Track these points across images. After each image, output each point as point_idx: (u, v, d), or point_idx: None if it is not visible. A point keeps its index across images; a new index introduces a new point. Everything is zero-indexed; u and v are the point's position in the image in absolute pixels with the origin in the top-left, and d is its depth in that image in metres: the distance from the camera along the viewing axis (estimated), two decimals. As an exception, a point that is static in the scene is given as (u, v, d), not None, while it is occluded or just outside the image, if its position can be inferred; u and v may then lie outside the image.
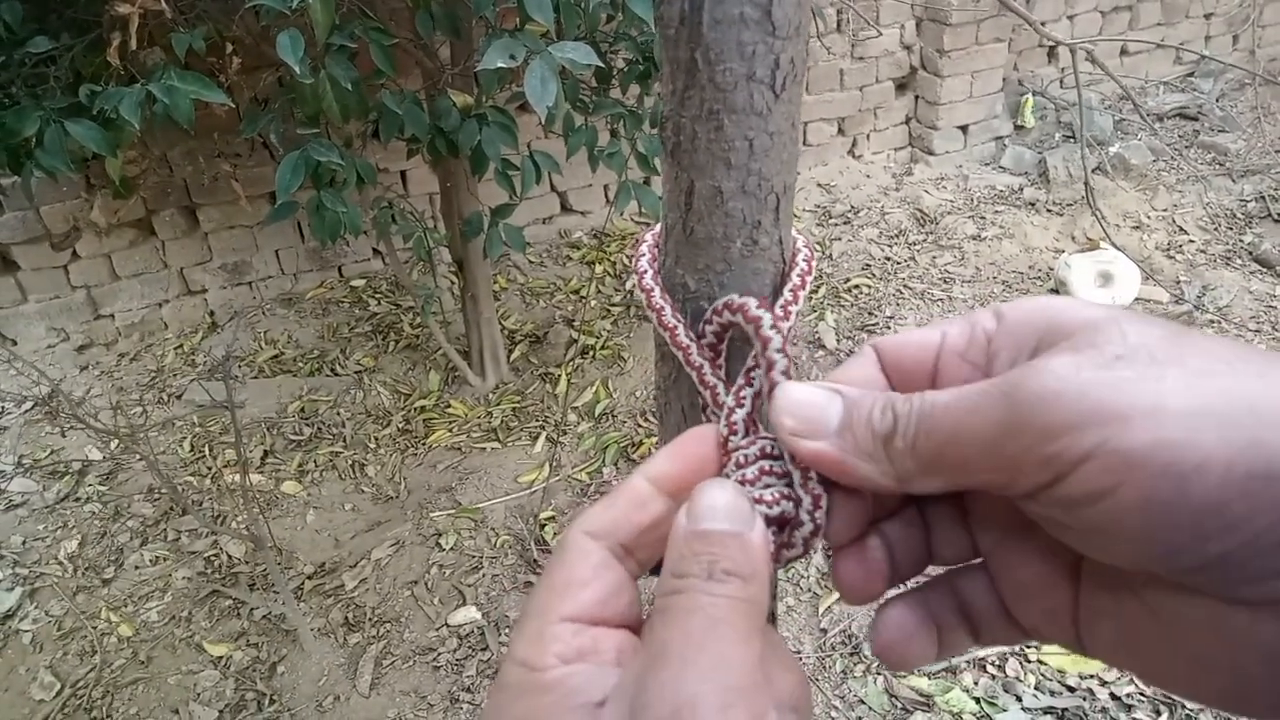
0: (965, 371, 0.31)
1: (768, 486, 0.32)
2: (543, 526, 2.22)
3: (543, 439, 2.52)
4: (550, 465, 2.41)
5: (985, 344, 0.30)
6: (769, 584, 0.29)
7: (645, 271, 0.38)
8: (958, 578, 0.33)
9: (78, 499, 2.41)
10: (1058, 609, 0.30)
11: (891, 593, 0.34)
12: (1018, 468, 0.26)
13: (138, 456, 2.44)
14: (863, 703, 1.76)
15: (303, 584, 2.14)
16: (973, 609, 0.32)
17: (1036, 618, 0.31)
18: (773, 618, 0.38)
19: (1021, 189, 3.56)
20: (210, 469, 2.48)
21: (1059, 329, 0.28)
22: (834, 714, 1.75)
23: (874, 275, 3.15)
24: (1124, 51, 4.01)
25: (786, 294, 0.36)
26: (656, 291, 0.37)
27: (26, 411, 2.72)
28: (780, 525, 0.32)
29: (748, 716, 0.25)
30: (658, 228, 0.39)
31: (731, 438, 0.33)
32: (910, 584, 0.34)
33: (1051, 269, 3.09)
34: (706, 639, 0.26)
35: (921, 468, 0.29)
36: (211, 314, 3.12)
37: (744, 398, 0.34)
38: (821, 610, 1.96)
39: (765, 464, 0.32)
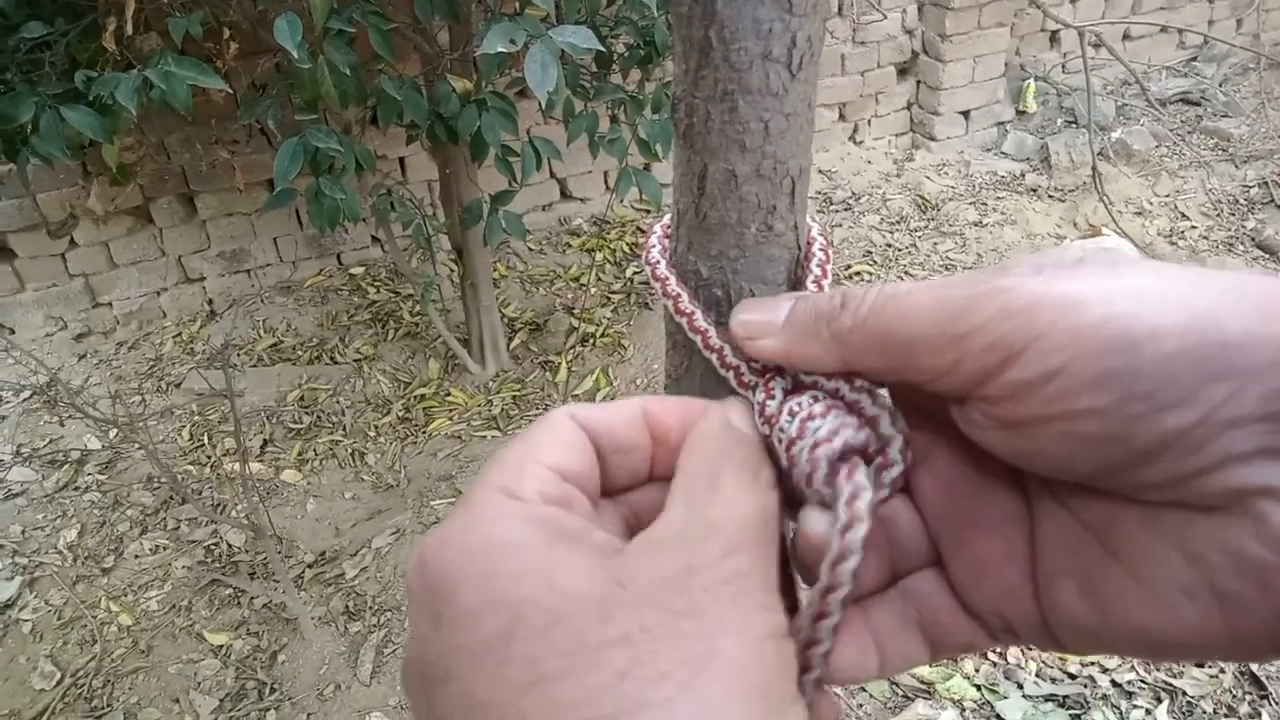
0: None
1: (839, 418, 0.30)
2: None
3: (543, 427, 2.51)
4: (551, 453, 2.40)
5: None
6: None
7: (658, 261, 0.37)
8: (907, 584, 0.31)
9: (77, 488, 2.41)
10: (1015, 583, 0.29)
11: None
12: (967, 347, 0.25)
13: (137, 445, 2.44)
14: (864, 690, 1.76)
15: (303, 573, 2.13)
16: (926, 612, 0.31)
17: (996, 598, 0.29)
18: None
19: (1023, 175, 3.55)
20: (210, 458, 2.48)
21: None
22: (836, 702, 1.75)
23: (875, 262, 3.13)
24: (1127, 36, 3.98)
25: (810, 285, 0.35)
26: (672, 280, 0.36)
27: (25, 400, 2.71)
28: (864, 460, 0.30)
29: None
30: (666, 218, 0.38)
31: (769, 401, 0.32)
32: None
33: (1053, 255, 3.07)
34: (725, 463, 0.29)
35: (867, 342, 0.28)
36: (210, 302, 3.11)
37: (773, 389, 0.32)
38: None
39: (830, 402, 0.31)
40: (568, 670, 0.23)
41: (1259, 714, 1.66)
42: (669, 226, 0.37)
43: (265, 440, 2.52)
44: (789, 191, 0.34)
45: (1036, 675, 1.77)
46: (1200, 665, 1.75)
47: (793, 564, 0.31)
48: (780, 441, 0.30)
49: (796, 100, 0.33)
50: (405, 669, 0.26)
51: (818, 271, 0.35)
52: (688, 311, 0.35)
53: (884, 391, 0.31)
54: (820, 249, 0.36)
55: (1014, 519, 0.29)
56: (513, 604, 0.24)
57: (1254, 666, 1.72)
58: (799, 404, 0.31)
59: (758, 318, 0.32)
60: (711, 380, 0.37)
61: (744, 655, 0.24)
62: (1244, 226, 3.16)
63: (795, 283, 0.36)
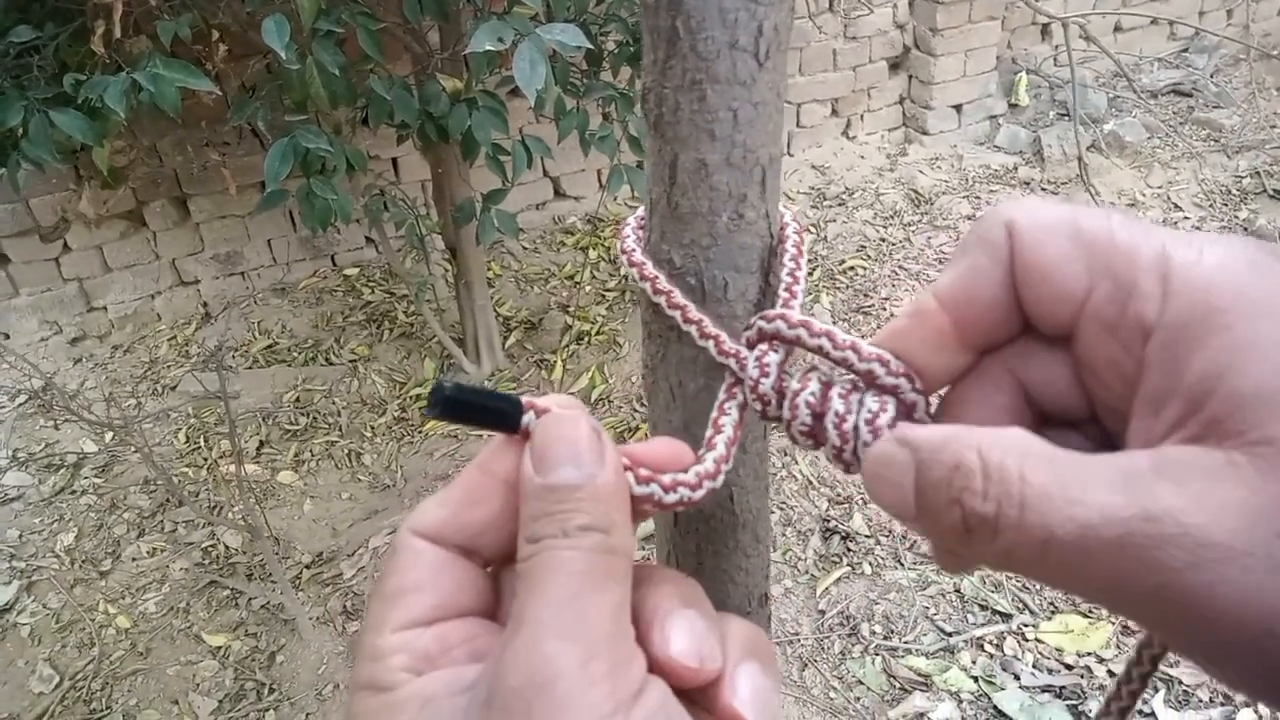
0: (1110, 351, 0.26)
1: (848, 398, 0.31)
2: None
3: (539, 425, 2.51)
4: (547, 451, 2.40)
5: (1139, 333, 0.25)
6: (629, 526, 0.28)
7: (633, 249, 0.37)
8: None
9: (73, 492, 2.41)
10: None
11: None
12: (1136, 616, 0.24)
13: (133, 449, 2.44)
14: (861, 683, 1.77)
15: (300, 573, 2.14)
16: None
17: None
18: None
19: (1016, 168, 3.55)
20: (206, 460, 2.48)
21: (1232, 399, 0.23)
22: (832, 695, 1.75)
23: (869, 257, 3.14)
24: (1118, 28, 3.98)
25: (785, 276, 0.35)
26: (649, 264, 0.36)
27: (20, 405, 2.71)
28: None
29: (609, 665, 0.25)
30: (641, 210, 0.38)
31: (763, 380, 0.32)
32: None
33: (1047, 248, 3.08)
34: (566, 597, 0.25)
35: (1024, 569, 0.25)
36: (204, 305, 3.10)
37: (768, 365, 0.33)
38: (819, 592, 1.96)
39: (828, 377, 0.31)
40: None
41: (1254, 701, 1.67)
42: (643, 218, 0.38)
43: (261, 442, 2.52)
44: (759, 180, 0.34)
45: (1033, 666, 1.77)
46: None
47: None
48: (783, 421, 0.32)
49: (765, 89, 0.33)
50: None
51: (793, 257, 0.35)
52: (666, 290, 0.35)
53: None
54: (795, 231, 0.36)
55: None
56: None
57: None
58: (799, 389, 0.32)
59: (891, 499, 0.27)
60: (686, 368, 0.37)
61: None
62: (1236, 217, 3.16)
63: (768, 270, 0.36)
